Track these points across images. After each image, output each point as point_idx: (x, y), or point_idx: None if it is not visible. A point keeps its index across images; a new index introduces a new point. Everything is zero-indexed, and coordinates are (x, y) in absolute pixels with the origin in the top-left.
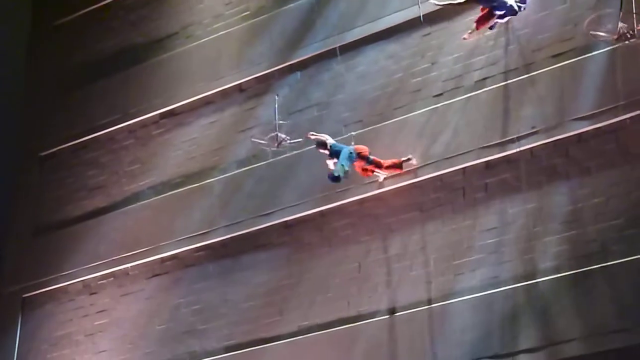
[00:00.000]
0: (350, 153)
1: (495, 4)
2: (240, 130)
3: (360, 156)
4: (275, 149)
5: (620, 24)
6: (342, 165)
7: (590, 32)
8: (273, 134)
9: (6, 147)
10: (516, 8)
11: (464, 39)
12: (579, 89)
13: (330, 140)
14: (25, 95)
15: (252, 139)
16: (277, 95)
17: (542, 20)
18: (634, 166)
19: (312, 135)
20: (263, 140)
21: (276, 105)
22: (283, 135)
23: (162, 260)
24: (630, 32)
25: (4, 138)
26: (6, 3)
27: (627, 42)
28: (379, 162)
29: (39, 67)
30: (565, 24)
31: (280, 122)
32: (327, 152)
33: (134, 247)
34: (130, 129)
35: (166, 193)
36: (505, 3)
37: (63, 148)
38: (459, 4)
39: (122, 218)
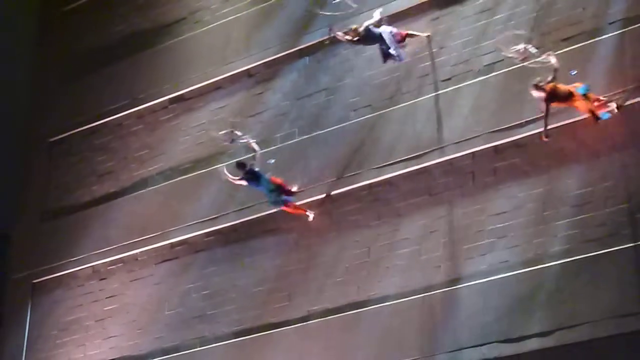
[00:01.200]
0: (271, 191)
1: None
2: (249, 115)
3: (286, 192)
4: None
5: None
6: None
7: (497, 47)
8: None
9: (15, 132)
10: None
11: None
12: (588, 72)
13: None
14: (34, 81)
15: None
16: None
17: (550, 3)
18: None
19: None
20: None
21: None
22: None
23: (172, 245)
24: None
25: (13, 124)
26: None
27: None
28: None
29: (48, 53)
30: (574, 7)
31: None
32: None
33: (144, 233)
34: (139, 115)
35: (175, 178)
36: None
37: (72, 134)
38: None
39: (132, 203)
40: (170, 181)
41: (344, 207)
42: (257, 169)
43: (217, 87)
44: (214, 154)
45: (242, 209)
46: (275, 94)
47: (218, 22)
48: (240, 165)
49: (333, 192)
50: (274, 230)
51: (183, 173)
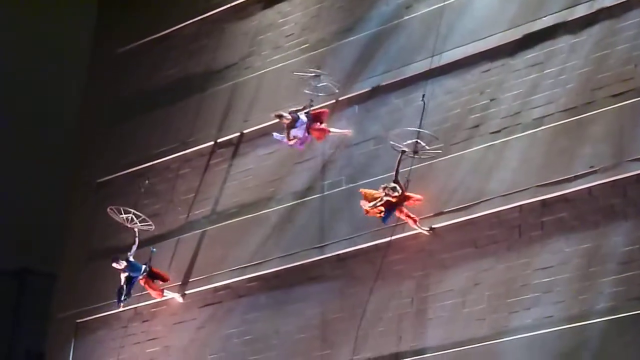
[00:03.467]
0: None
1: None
2: (296, 162)
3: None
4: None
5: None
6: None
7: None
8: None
9: (64, 173)
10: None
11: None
12: (638, 129)
13: None
14: (83, 122)
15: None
16: (424, 95)
17: (602, 59)
18: None
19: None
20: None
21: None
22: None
23: (215, 289)
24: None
25: (62, 163)
26: (70, 30)
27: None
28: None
29: (99, 94)
30: (626, 64)
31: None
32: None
33: (188, 276)
34: (186, 158)
35: (221, 223)
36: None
37: (119, 175)
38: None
39: (176, 246)
40: (215, 225)
41: (389, 256)
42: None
43: (264, 133)
44: (261, 199)
45: (286, 255)
46: (324, 141)
47: (269, 69)
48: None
49: (378, 241)
50: (318, 278)
51: (229, 217)
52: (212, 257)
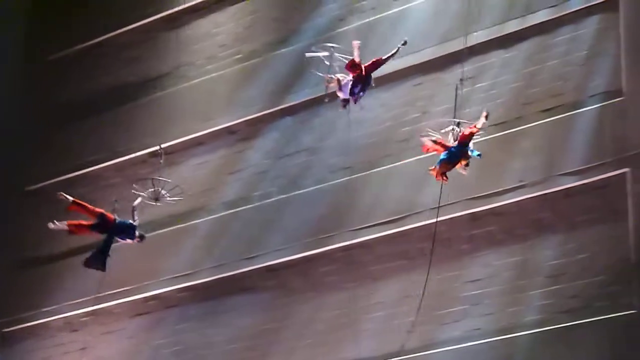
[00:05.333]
0: None
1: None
2: (229, 173)
3: None
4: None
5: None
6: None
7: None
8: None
9: None
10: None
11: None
12: (567, 144)
13: None
14: (14, 129)
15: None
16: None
17: (533, 74)
18: (619, 223)
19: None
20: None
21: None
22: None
23: (145, 299)
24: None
25: None
26: None
27: None
28: None
29: (30, 102)
30: (556, 79)
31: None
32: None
33: (118, 286)
34: (118, 167)
35: (152, 232)
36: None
37: (50, 183)
38: None
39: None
40: (147, 235)
41: (319, 268)
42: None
43: (198, 142)
44: (193, 209)
45: (218, 265)
46: (256, 152)
47: (202, 79)
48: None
49: (309, 253)
50: (249, 289)
51: (160, 227)
52: (143, 266)
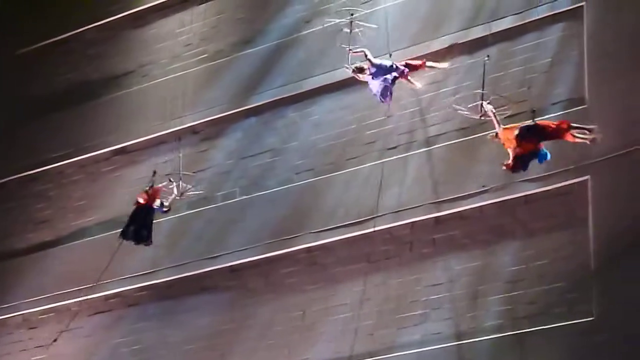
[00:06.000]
0: None
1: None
2: (191, 172)
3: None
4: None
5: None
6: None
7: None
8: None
9: None
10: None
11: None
12: None
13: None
14: None
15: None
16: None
17: (497, 80)
18: (578, 230)
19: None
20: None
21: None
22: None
23: (105, 298)
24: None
25: None
26: None
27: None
28: None
29: None
30: (520, 86)
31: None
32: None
33: (78, 283)
34: (81, 164)
35: (113, 230)
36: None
37: (12, 179)
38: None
39: (68, 253)
40: (108, 233)
41: (281, 269)
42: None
43: (161, 141)
44: None
45: (179, 265)
46: (219, 152)
47: (166, 77)
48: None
49: (271, 254)
50: (210, 289)
51: (121, 226)
52: (103, 264)
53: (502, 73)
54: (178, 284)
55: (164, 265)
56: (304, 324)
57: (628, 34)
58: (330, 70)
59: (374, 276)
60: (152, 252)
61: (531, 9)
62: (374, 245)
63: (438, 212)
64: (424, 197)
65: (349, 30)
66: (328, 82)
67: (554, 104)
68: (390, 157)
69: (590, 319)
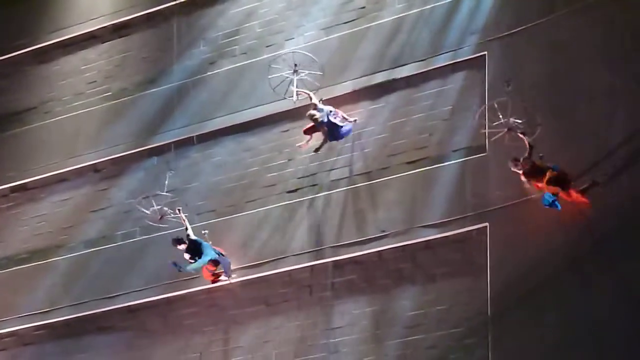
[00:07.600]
0: (217, 255)
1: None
2: (91, 211)
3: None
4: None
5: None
6: (198, 266)
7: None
8: (158, 207)
9: None
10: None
11: (299, 146)
12: (430, 197)
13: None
14: None
15: (137, 206)
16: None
17: (399, 126)
18: (477, 277)
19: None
20: (147, 211)
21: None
22: (166, 209)
23: (1, 336)
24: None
25: None
26: None
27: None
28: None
29: None
30: (421, 132)
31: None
32: (183, 247)
33: None
34: None
35: (10, 268)
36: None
37: None
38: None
39: None
40: (4, 270)
41: (180, 310)
42: (195, 238)
43: (61, 179)
44: (52, 246)
45: (77, 304)
46: (120, 191)
47: (68, 115)
48: (176, 241)
49: (169, 295)
50: (108, 328)
51: (18, 263)
52: None
53: (404, 119)
54: (76, 323)
55: (61, 304)
56: None
57: (528, 84)
58: (233, 112)
59: (273, 319)
60: (49, 291)
61: (434, 56)
62: (273, 287)
63: (337, 256)
64: (323, 240)
65: (292, 70)
66: (231, 124)
67: (454, 151)
68: (291, 200)
69: None
